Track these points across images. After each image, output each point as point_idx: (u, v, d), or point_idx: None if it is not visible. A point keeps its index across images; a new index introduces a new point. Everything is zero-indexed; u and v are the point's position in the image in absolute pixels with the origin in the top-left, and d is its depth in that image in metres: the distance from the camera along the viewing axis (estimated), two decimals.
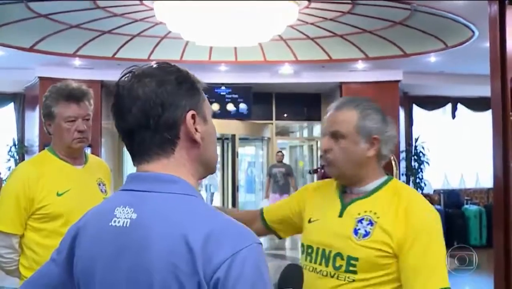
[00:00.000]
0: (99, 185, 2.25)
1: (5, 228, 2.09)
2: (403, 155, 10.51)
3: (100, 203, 1.15)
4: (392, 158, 9.68)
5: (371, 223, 1.55)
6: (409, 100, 11.58)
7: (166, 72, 1.06)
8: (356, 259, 1.54)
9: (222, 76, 10.33)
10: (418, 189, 10.24)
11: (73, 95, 2.13)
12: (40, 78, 9.57)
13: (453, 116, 11.67)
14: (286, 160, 12.41)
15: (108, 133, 10.80)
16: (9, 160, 10.13)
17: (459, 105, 11.62)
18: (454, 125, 11.65)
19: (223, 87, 10.70)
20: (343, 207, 1.63)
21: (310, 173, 12.55)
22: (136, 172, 1.07)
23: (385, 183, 1.65)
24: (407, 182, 10.76)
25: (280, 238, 1.93)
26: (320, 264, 1.61)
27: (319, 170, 12.18)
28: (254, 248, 0.95)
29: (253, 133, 12.49)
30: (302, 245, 1.71)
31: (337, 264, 1.57)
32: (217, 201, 11.93)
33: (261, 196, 13.74)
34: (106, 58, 9.28)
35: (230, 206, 11.58)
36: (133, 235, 0.98)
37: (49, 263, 1.16)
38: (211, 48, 9.23)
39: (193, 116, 1.04)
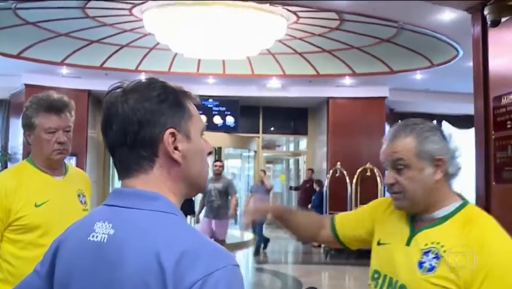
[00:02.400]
0: (79, 196, 2.23)
1: None
2: None
3: (83, 217, 1.12)
4: (377, 173, 9.75)
5: (437, 257, 1.42)
6: (395, 117, 11.67)
7: (150, 89, 1.03)
8: None
9: (210, 88, 10.35)
10: None
11: (54, 106, 2.11)
12: (26, 85, 9.53)
13: None
14: (269, 173, 12.21)
15: (94, 143, 10.72)
16: None
17: (444, 122, 11.75)
18: None
19: (210, 100, 10.72)
20: (411, 235, 1.51)
21: (291, 189, 12.52)
22: (119, 188, 1.06)
23: (458, 209, 1.50)
24: None
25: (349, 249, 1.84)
26: None
27: (300, 187, 12.22)
28: (229, 270, 0.91)
29: (240, 146, 12.50)
30: (370, 269, 1.61)
31: None
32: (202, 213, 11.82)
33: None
34: (94, 67, 9.26)
35: None
36: (108, 251, 0.97)
37: (33, 274, 1.15)
38: (199, 60, 9.25)
39: (172, 135, 1.01)
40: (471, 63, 5.01)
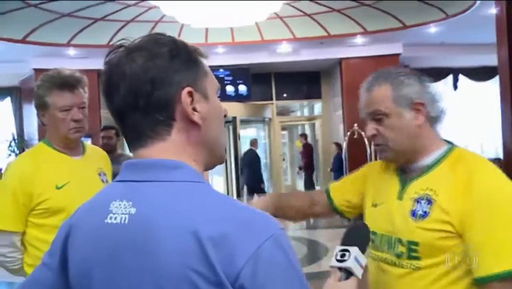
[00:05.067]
0: (100, 175, 2.15)
1: (4, 226, 2.00)
2: None
3: (93, 197, 0.99)
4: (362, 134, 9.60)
5: (429, 202, 1.37)
6: None
7: (158, 44, 0.91)
8: (416, 244, 1.37)
9: (220, 58, 10.18)
10: None
11: (67, 83, 2.02)
12: (35, 70, 9.44)
13: (455, 87, 11.55)
14: (285, 140, 12.19)
15: (108, 122, 10.69)
16: (9, 155, 10.06)
17: (461, 76, 11.49)
18: (456, 97, 11.52)
19: (221, 70, 10.56)
20: (402, 188, 1.47)
21: (299, 169, 12.43)
22: (133, 160, 0.93)
23: (446, 153, 1.45)
24: None
25: (348, 219, 1.77)
26: (383, 251, 1.47)
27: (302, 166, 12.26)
28: (278, 237, 0.82)
29: (254, 115, 12.39)
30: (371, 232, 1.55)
31: (399, 251, 1.42)
32: (220, 185, 11.85)
33: (264, 177, 13.72)
34: (101, 46, 9.14)
35: (234, 188, 11.53)
36: (133, 233, 0.85)
37: (41, 267, 1.02)
38: (207, 30, 9.08)
39: (190, 94, 0.90)
40: (489, 12, 4.80)
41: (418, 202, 1.40)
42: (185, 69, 0.91)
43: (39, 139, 2.10)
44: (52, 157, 2.07)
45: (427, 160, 1.45)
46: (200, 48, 0.96)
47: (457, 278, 1.34)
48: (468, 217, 1.31)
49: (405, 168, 1.50)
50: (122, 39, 0.95)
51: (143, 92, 0.88)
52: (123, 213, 0.87)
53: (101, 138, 4.82)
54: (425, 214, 1.37)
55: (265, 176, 13.49)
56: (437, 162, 1.44)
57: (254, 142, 10.75)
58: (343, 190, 1.75)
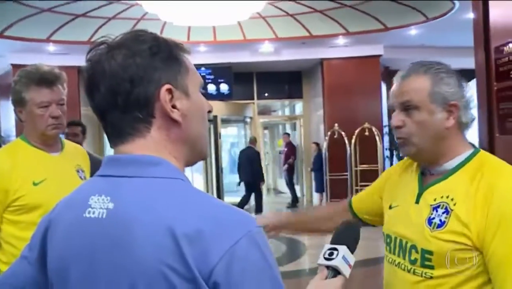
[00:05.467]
0: (78, 171, 2.14)
1: None
2: (386, 130, 10.52)
3: (73, 191, 0.99)
4: (375, 132, 9.70)
5: (446, 211, 1.31)
6: (391, 75, 11.54)
7: (139, 42, 0.91)
8: (431, 253, 1.32)
9: (202, 57, 10.15)
10: None
11: (45, 79, 2.00)
12: (13, 65, 9.28)
13: None
14: (267, 139, 12.24)
15: (88, 120, 10.57)
16: None
17: None
18: None
19: (203, 68, 10.54)
20: (420, 192, 1.40)
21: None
22: (113, 155, 0.93)
23: (470, 158, 1.37)
24: (391, 157, 10.81)
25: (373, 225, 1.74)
26: (399, 256, 1.42)
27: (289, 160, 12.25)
28: (254, 234, 0.82)
29: (235, 114, 12.39)
30: (383, 234, 1.52)
31: (413, 257, 1.37)
32: (200, 183, 11.81)
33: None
34: (81, 42, 9.03)
35: (214, 187, 11.50)
36: (110, 228, 0.85)
37: (21, 261, 1.03)
38: (189, 28, 9.05)
39: (169, 91, 0.90)
40: (467, 16, 4.88)
41: (435, 209, 1.34)
42: (165, 67, 0.91)
43: (17, 136, 2.08)
44: (30, 153, 2.05)
45: (450, 164, 1.38)
46: (182, 44, 0.96)
47: None
48: (489, 231, 1.24)
49: (426, 170, 1.44)
50: (103, 36, 0.95)
51: (122, 90, 0.88)
52: (101, 208, 0.88)
53: (65, 134, 4.18)
54: (441, 224, 1.31)
55: None
56: (459, 167, 1.37)
57: (253, 140, 10.86)
58: (364, 201, 1.72)
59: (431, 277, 1.33)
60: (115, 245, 0.84)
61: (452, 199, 1.32)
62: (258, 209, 10.40)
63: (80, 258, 0.89)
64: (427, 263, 1.34)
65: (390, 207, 1.51)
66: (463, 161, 1.37)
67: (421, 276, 1.35)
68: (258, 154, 10.64)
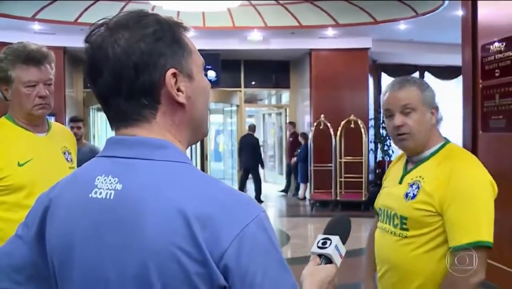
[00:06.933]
0: (64, 153, 2.12)
1: None
2: (371, 123, 10.58)
3: (77, 170, 0.98)
4: (361, 125, 9.76)
5: (418, 187, 1.78)
6: (378, 68, 11.61)
7: (142, 25, 0.89)
8: (406, 218, 1.78)
9: None
10: (386, 157, 10.37)
11: (33, 58, 1.97)
12: None
13: None
14: (257, 128, 12.21)
15: (73, 101, 10.47)
16: None
17: (427, 74, 11.72)
18: None
19: None
20: (403, 175, 1.88)
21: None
22: (119, 136, 0.92)
23: (440, 148, 1.84)
24: (375, 150, 10.89)
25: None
26: (386, 222, 1.88)
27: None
28: (262, 219, 0.85)
29: (222, 101, 12.34)
30: (375, 209, 2.02)
31: (395, 222, 1.83)
32: None
33: (230, 164, 13.71)
34: (68, 23, 8.91)
35: None
36: (118, 209, 0.85)
37: (14, 240, 1.00)
38: (178, 13, 8.96)
39: (174, 75, 0.89)
40: (456, 13, 4.91)
41: (411, 186, 1.80)
42: (170, 52, 0.90)
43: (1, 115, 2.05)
44: (15, 133, 2.02)
45: (426, 153, 1.84)
46: (182, 22, 0.95)
47: (435, 246, 1.73)
48: (446, 201, 1.70)
49: (409, 159, 1.90)
50: (103, 18, 0.93)
51: (126, 77, 0.87)
52: (108, 189, 0.87)
53: (70, 127, 4.90)
54: (413, 196, 1.78)
55: (232, 162, 13.52)
56: (431, 155, 1.83)
57: (252, 127, 11.07)
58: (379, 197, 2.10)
59: (406, 237, 1.78)
60: (124, 225, 0.84)
61: (423, 178, 1.78)
62: (258, 193, 10.57)
63: (85, 237, 0.88)
64: (404, 226, 1.79)
65: (383, 188, 2.02)
66: (434, 151, 1.83)
67: (399, 236, 1.80)
68: (257, 140, 11.03)
